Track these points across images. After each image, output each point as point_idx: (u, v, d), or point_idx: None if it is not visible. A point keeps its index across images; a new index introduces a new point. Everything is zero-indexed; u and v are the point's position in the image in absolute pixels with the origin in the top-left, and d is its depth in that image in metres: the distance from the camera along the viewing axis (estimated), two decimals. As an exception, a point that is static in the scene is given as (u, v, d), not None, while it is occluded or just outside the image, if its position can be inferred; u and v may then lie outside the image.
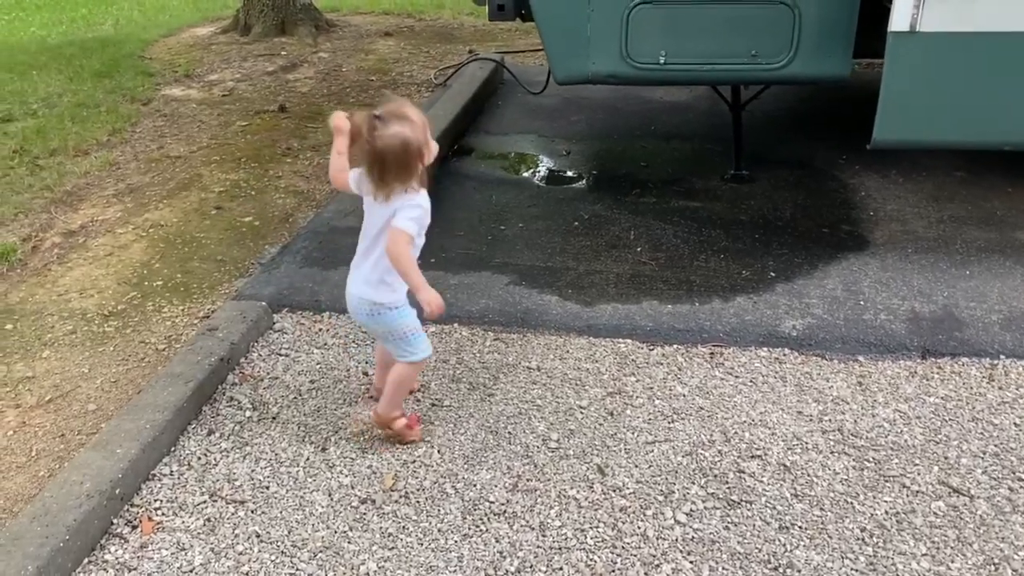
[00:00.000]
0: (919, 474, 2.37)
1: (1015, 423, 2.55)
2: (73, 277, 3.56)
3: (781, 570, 2.07)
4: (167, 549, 2.15)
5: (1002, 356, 2.84)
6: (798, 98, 5.28)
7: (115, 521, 2.22)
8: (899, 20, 3.02)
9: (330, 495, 2.33)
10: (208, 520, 2.24)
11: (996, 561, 2.08)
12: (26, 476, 2.46)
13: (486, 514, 2.26)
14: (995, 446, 2.46)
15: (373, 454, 2.48)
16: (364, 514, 2.27)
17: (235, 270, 3.61)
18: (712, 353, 2.91)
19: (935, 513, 2.24)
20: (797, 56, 3.63)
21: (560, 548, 2.15)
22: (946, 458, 2.43)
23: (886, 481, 2.35)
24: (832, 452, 2.46)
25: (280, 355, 2.93)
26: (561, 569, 2.09)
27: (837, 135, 4.70)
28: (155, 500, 2.31)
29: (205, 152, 4.97)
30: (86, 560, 2.11)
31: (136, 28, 8.24)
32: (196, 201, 4.29)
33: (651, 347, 2.95)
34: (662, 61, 3.74)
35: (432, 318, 2.29)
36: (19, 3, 10.23)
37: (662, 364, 2.86)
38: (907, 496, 2.30)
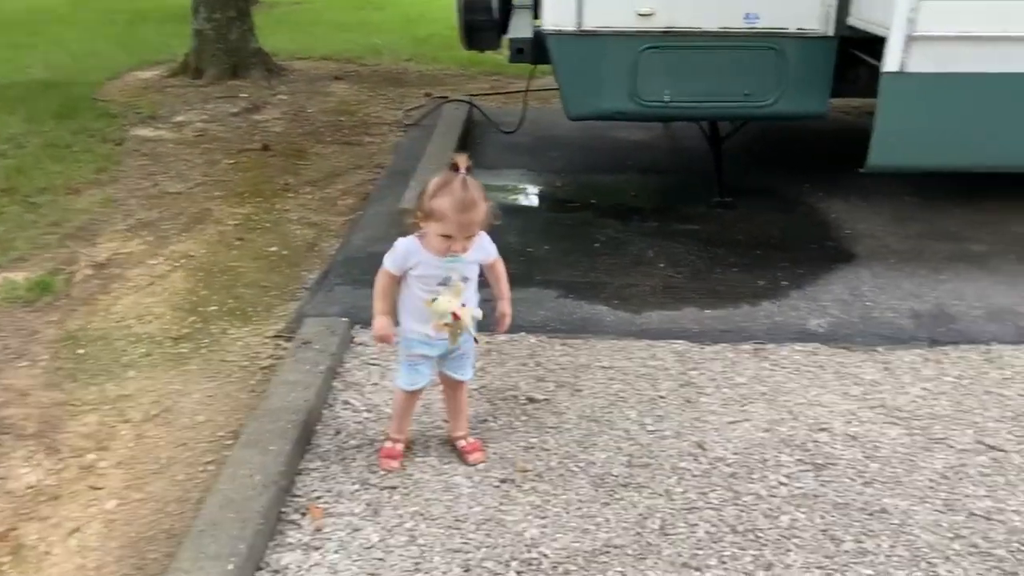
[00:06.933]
0: (959, 436, 2.81)
1: (1019, 394, 3.05)
2: (124, 305, 3.63)
3: (878, 515, 2.45)
4: (342, 531, 2.32)
5: (993, 343, 3.36)
6: (751, 136, 5.86)
7: (284, 510, 2.38)
8: (891, 62, 3.57)
9: (470, 478, 2.55)
10: (369, 504, 2.42)
11: (1041, 497, 2.53)
12: (165, 480, 2.57)
13: (614, 486, 2.54)
14: (1010, 412, 2.94)
15: (495, 443, 2.72)
16: (508, 491, 2.50)
17: (282, 294, 3.76)
18: (756, 349, 3.31)
19: (982, 465, 2.67)
20: (783, 96, 4.16)
21: (691, 508, 2.45)
22: (975, 423, 2.88)
23: (935, 443, 2.78)
24: (884, 422, 2.88)
25: (372, 364, 3.12)
26: (697, 525, 2.39)
27: (791, 167, 5.28)
28: (312, 490, 2.47)
29: (203, 188, 5.07)
30: (273, 543, 2.26)
31: (72, 72, 8.11)
32: (215, 233, 4.41)
33: (702, 346, 3.32)
34: (666, 99, 4.19)
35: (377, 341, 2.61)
36: (-73, 46, 9.83)
37: (717, 360, 3.23)
38: (956, 454, 2.72)
